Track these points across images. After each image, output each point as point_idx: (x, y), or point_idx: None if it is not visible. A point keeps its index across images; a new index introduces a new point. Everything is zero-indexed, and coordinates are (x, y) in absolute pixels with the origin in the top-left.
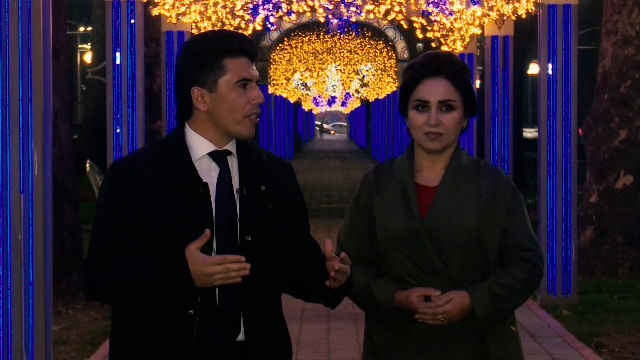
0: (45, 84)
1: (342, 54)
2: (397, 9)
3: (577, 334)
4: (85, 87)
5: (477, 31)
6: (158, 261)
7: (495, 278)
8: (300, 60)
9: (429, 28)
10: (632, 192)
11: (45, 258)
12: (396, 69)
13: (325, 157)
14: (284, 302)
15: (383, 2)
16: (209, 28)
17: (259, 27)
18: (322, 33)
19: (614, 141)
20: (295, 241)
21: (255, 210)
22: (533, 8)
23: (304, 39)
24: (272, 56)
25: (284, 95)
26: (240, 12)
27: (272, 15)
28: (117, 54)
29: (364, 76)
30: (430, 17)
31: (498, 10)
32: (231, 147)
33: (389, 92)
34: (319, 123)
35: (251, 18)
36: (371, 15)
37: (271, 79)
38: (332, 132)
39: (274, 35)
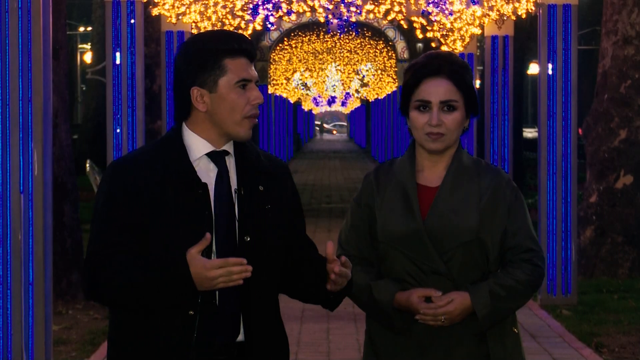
0: (45, 84)
1: (342, 54)
2: (397, 9)
3: (577, 334)
4: (85, 87)
5: (477, 31)
6: (159, 264)
7: (496, 279)
8: (300, 60)
9: (429, 28)
10: (632, 192)
11: (45, 258)
12: (396, 69)
13: (325, 157)
14: (284, 302)
15: (383, 2)
16: (209, 28)
17: (259, 27)
18: (322, 33)
19: (614, 141)
20: (294, 242)
21: (254, 211)
22: (533, 8)
23: (304, 39)
24: (272, 56)
25: (284, 95)
26: (240, 12)
27: (272, 15)
28: (117, 54)
29: (364, 76)
30: (430, 17)
31: (498, 10)
32: (229, 147)
33: (389, 92)
34: (319, 123)
35: (251, 18)
36: (371, 15)
37: (271, 79)
38: (334, 132)
39: (274, 35)
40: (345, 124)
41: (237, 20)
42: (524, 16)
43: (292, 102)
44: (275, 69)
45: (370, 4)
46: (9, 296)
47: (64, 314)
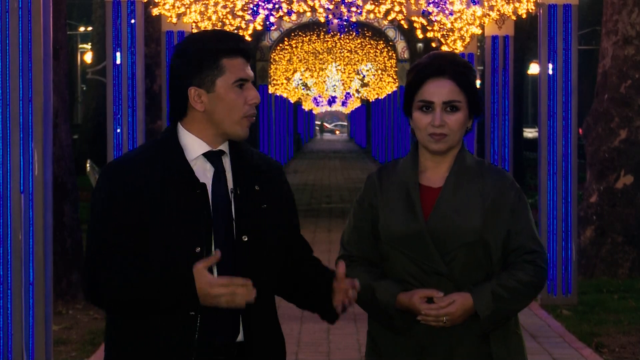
0: (45, 84)
1: (342, 54)
2: (397, 9)
3: (578, 334)
4: (85, 87)
5: (478, 31)
6: (165, 275)
7: (498, 280)
8: (300, 60)
9: (429, 28)
10: (632, 192)
11: (45, 258)
12: (396, 69)
13: (325, 157)
14: (284, 302)
15: (383, 2)
16: (210, 28)
17: (259, 27)
18: (322, 33)
19: (614, 141)
20: (291, 242)
21: (250, 210)
22: (533, 8)
23: (304, 39)
24: (272, 56)
25: (284, 95)
26: (241, 12)
27: (272, 15)
28: (118, 54)
29: (364, 76)
30: (431, 17)
31: (498, 10)
32: (225, 147)
33: (390, 92)
34: (319, 123)
35: (251, 18)
36: (371, 15)
37: (271, 79)
38: (337, 132)
39: (275, 35)
40: (345, 124)
41: (238, 20)
42: (524, 16)
43: (292, 102)
44: (276, 68)
45: (371, 4)
46: (9, 296)
47: (64, 314)
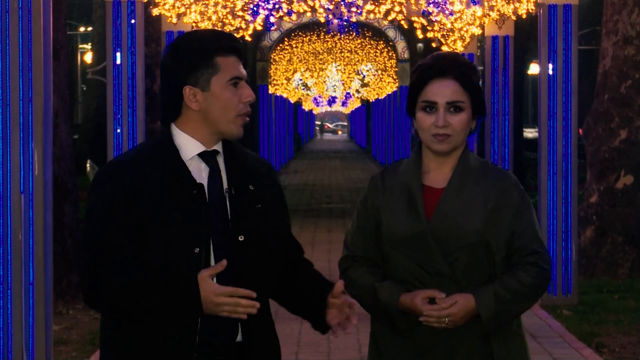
0: (45, 84)
1: (342, 54)
2: (397, 9)
3: (578, 334)
4: (85, 87)
5: (478, 31)
6: (169, 281)
7: (501, 281)
8: (300, 61)
9: (429, 28)
10: (632, 192)
11: (45, 258)
12: (397, 69)
13: (325, 157)
14: None
15: (383, 2)
16: (210, 28)
17: (259, 27)
18: (322, 33)
19: (614, 141)
20: (283, 242)
21: (246, 210)
22: (533, 8)
23: (304, 39)
24: (272, 56)
25: (285, 95)
26: (241, 13)
27: (272, 15)
28: (118, 54)
29: (364, 76)
30: (431, 17)
31: (498, 11)
32: (219, 147)
33: (390, 92)
34: (319, 123)
35: (251, 18)
36: (371, 16)
37: (272, 79)
38: (339, 132)
39: (275, 35)
40: (346, 124)
41: (238, 20)
42: (524, 16)
43: (292, 102)
44: (276, 69)
45: (371, 4)
46: (9, 296)
47: (64, 314)
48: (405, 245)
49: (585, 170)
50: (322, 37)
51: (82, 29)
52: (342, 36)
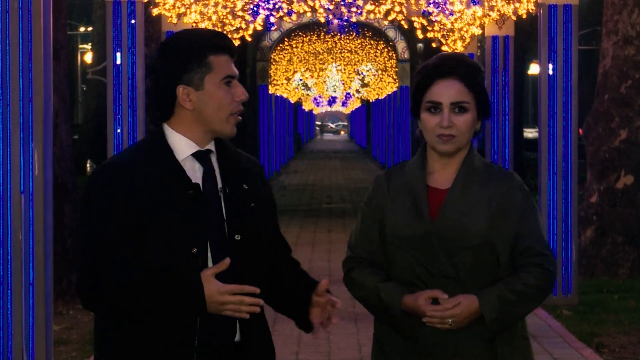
0: (45, 84)
1: (342, 54)
2: (397, 9)
3: (578, 334)
4: (85, 87)
5: (478, 31)
6: (172, 281)
7: (505, 283)
8: (300, 61)
9: (429, 28)
10: (632, 192)
11: (45, 258)
12: (397, 69)
13: (325, 157)
14: None
15: (383, 2)
16: (210, 28)
17: (259, 28)
18: (322, 33)
19: (615, 141)
20: (274, 241)
21: (240, 210)
22: (534, 8)
23: (304, 39)
24: (272, 56)
25: (285, 95)
26: (241, 13)
27: (272, 15)
28: (118, 54)
29: (364, 76)
30: (431, 17)
31: (498, 11)
32: (211, 146)
33: (390, 93)
34: (319, 123)
35: (252, 18)
36: (372, 16)
37: (272, 79)
38: (342, 132)
39: (275, 35)
40: (346, 124)
41: (238, 20)
42: (524, 16)
43: (292, 102)
44: (276, 69)
45: (371, 4)
46: (9, 296)
47: (64, 314)
48: (409, 246)
49: (585, 170)
50: (322, 37)
51: (82, 29)
52: (342, 36)
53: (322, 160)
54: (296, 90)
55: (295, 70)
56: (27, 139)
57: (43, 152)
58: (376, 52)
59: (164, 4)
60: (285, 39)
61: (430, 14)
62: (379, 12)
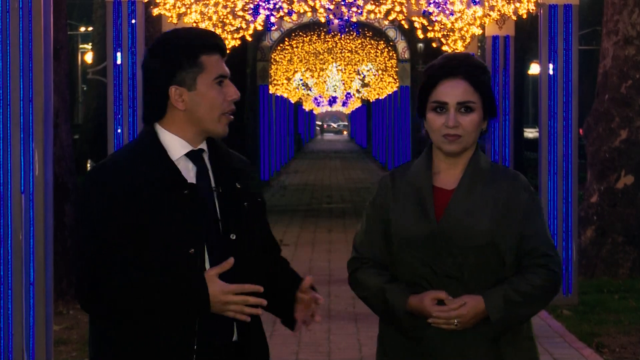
0: (46, 84)
1: (343, 54)
2: (397, 9)
3: (578, 334)
4: (86, 87)
5: (478, 31)
6: (174, 280)
7: (511, 283)
8: (301, 61)
9: (429, 28)
10: (632, 192)
11: (46, 258)
12: (397, 69)
13: (326, 157)
14: None
15: (384, 2)
16: (210, 28)
17: (259, 27)
18: (323, 33)
19: (615, 141)
20: (265, 240)
21: (234, 209)
22: (534, 8)
23: (304, 39)
24: (272, 56)
25: (285, 95)
26: (241, 13)
27: (273, 15)
28: (118, 54)
29: (364, 76)
30: (431, 17)
31: (499, 11)
32: (204, 145)
33: (390, 92)
34: (319, 123)
35: (252, 18)
36: (372, 16)
37: (272, 79)
38: (345, 132)
39: (275, 35)
40: (346, 123)
41: (238, 20)
42: (524, 16)
43: (292, 102)
44: (276, 69)
45: (371, 4)
46: (9, 296)
47: (64, 314)
48: (415, 246)
49: (585, 170)
50: (322, 37)
51: (82, 29)
52: (343, 36)
53: (323, 160)
54: (296, 90)
55: (296, 70)
56: (28, 139)
57: (43, 152)
58: (376, 52)
59: (164, 4)
60: (286, 39)
61: (430, 13)
62: (379, 12)
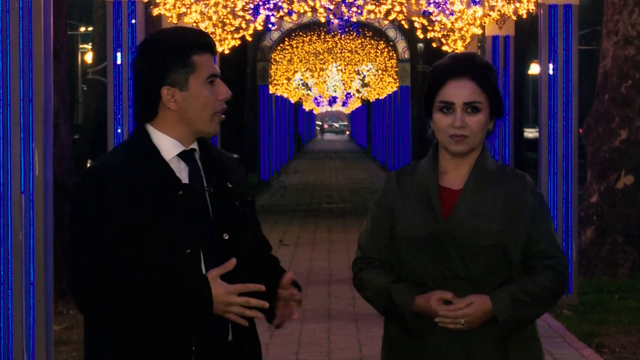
0: (46, 84)
1: (343, 54)
2: (397, 9)
3: (578, 334)
4: (86, 87)
5: (478, 31)
6: (178, 282)
7: (518, 284)
8: (301, 61)
9: (429, 28)
10: (632, 192)
11: (46, 258)
12: (397, 69)
13: (326, 157)
14: None
15: (384, 2)
16: (210, 28)
17: (259, 27)
18: (323, 33)
19: (615, 141)
20: (257, 239)
21: (226, 208)
22: (534, 8)
23: (304, 39)
24: (272, 56)
25: (285, 95)
26: (241, 12)
27: (273, 15)
28: (118, 54)
29: (364, 76)
30: (431, 17)
31: (499, 11)
32: (195, 145)
33: (390, 92)
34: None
35: (252, 18)
36: (372, 16)
37: (272, 79)
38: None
39: (275, 35)
40: (346, 123)
41: (238, 20)
42: (524, 16)
43: (292, 102)
44: (276, 69)
45: (371, 4)
46: (9, 296)
47: (64, 314)
48: (421, 246)
49: (585, 170)
50: (322, 37)
51: (82, 29)
52: (343, 36)
53: (323, 160)
54: (296, 90)
55: (296, 70)
56: (28, 139)
57: (43, 152)
58: (376, 52)
59: (165, 4)
60: (286, 39)
61: (430, 13)
62: (379, 12)
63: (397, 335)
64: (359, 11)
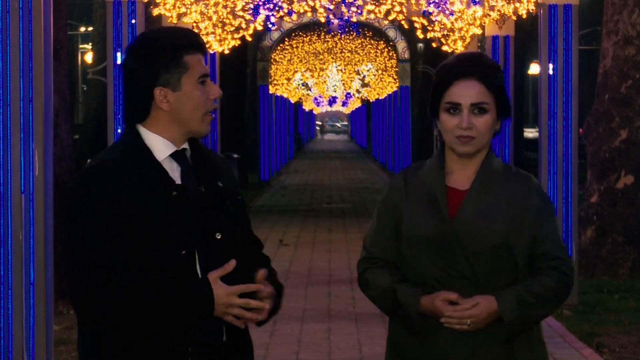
0: (46, 84)
1: (342, 54)
2: (397, 9)
3: (578, 334)
4: (86, 87)
5: (478, 31)
6: (178, 284)
7: (523, 285)
8: (301, 61)
9: (429, 28)
10: (632, 192)
11: (46, 258)
12: (397, 69)
13: (326, 157)
14: (286, 303)
15: (384, 2)
16: (210, 28)
17: (259, 27)
18: (322, 33)
19: (615, 141)
20: (249, 238)
21: (218, 208)
22: (534, 8)
23: (304, 39)
24: (272, 56)
25: (285, 95)
26: (241, 12)
27: (273, 15)
28: (118, 54)
29: (364, 76)
30: (431, 17)
31: (499, 11)
32: (186, 145)
33: (390, 92)
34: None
35: (252, 18)
36: (372, 16)
37: (272, 79)
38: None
39: (275, 35)
40: (346, 123)
41: (238, 20)
42: (524, 16)
43: (292, 102)
44: (276, 69)
45: (371, 4)
46: (10, 296)
47: (64, 314)
48: (427, 246)
49: (585, 170)
50: (322, 37)
51: (82, 29)
52: (343, 36)
53: (323, 160)
54: (296, 90)
55: (296, 70)
56: (28, 139)
57: (43, 152)
58: (376, 52)
59: (165, 4)
60: (286, 39)
61: (430, 13)
62: (379, 12)
63: (402, 335)
64: (359, 11)
